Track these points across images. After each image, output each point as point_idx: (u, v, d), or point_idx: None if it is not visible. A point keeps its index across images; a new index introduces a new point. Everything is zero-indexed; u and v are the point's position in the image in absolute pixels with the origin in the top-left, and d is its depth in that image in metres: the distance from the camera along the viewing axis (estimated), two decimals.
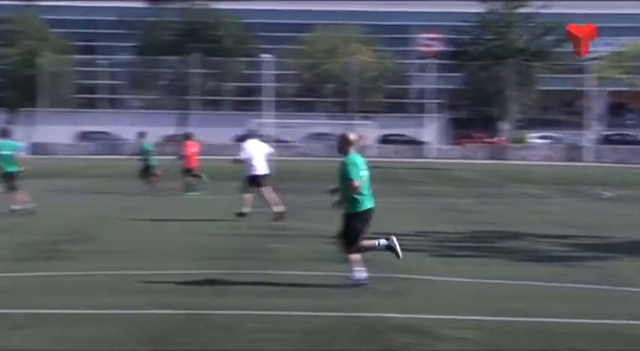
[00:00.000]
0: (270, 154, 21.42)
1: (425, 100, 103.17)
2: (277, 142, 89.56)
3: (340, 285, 11.73)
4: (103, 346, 8.43)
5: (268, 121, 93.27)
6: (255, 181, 20.86)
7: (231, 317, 9.70)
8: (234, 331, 9.08)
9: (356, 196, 11.61)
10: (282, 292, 11.33)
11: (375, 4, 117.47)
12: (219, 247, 15.78)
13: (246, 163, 20.80)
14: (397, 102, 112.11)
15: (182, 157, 29.50)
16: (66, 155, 78.24)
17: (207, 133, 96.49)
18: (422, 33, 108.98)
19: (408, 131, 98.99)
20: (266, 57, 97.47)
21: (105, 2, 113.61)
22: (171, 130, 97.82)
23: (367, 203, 11.78)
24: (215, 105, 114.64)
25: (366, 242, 11.89)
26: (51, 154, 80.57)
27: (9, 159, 21.38)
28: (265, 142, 22.31)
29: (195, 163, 29.43)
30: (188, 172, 29.41)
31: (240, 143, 21.87)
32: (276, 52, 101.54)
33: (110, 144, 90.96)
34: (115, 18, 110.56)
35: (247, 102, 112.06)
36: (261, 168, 20.89)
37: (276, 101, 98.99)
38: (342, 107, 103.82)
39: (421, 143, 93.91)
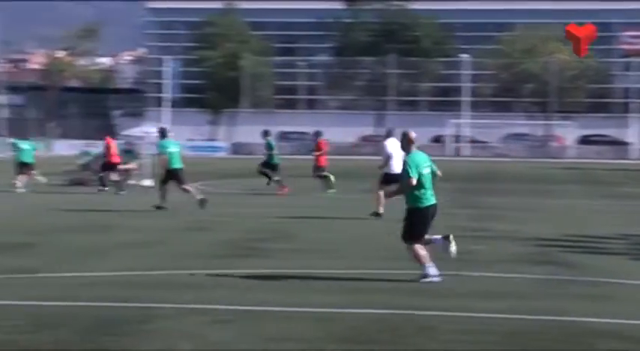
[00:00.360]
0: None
1: (629, 100, 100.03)
2: (473, 143, 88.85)
3: (538, 287, 11.51)
4: (301, 344, 8.52)
5: (465, 121, 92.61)
6: (390, 180, 20.52)
7: (430, 318, 9.64)
8: (433, 331, 9.03)
9: (417, 193, 11.90)
10: (479, 294, 11.18)
11: (577, 3, 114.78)
12: None
13: (385, 161, 20.78)
14: (599, 102, 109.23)
15: (317, 155, 29.92)
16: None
17: None
18: (625, 31, 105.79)
19: (611, 131, 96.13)
20: (463, 57, 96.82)
21: (303, 4, 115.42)
22: (368, 131, 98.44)
23: (429, 199, 12.01)
24: (412, 105, 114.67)
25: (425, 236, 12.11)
26: (251, 154, 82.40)
27: (177, 156, 22.75)
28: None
29: (325, 161, 29.69)
30: (319, 170, 29.78)
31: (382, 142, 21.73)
32: (474, 51, 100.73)
33: (308, 144, 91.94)
34: (314, 20, 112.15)
35: (444, 102, 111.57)
36: (398, 167, 20.73)
37: (474, 101, 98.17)
38: (541, 107, 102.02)
39: (624, 144, 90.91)
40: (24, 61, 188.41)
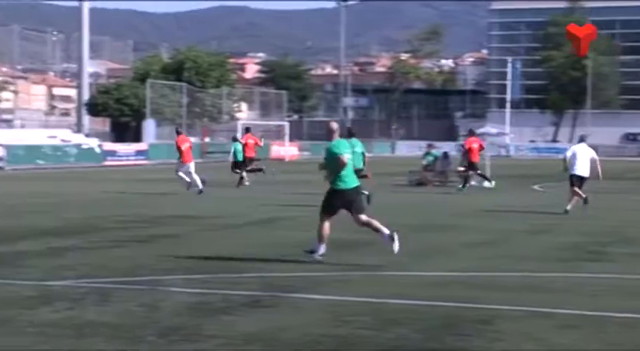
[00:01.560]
0: (594, 160, 22.29)
1: None
2: None
3: None
4: None
5: None
6: (573, 180, 22.29)
7: None
8: None
9: (341, 175, 13.06)
10: None
11: None
12: None
13: (569, 162, 22.35)
14: None
15: (465, 151, 30.59)
16: (609, 157, 77.70)
17: None
18: None
19: None
20: None
21: None
22: None
23: (351, 182, 13.23)
24: None
25: (377, 224, 13.18)
26: None
27: (360, 157, 23.38)
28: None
29: (477, 157, 30.39)
30: (471, 166, 30.19)
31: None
32: None
33: None
34: None
35: None
36: (581, 170, 22.21)
37: None
38: None
39: None
40: (370, 64, 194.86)
